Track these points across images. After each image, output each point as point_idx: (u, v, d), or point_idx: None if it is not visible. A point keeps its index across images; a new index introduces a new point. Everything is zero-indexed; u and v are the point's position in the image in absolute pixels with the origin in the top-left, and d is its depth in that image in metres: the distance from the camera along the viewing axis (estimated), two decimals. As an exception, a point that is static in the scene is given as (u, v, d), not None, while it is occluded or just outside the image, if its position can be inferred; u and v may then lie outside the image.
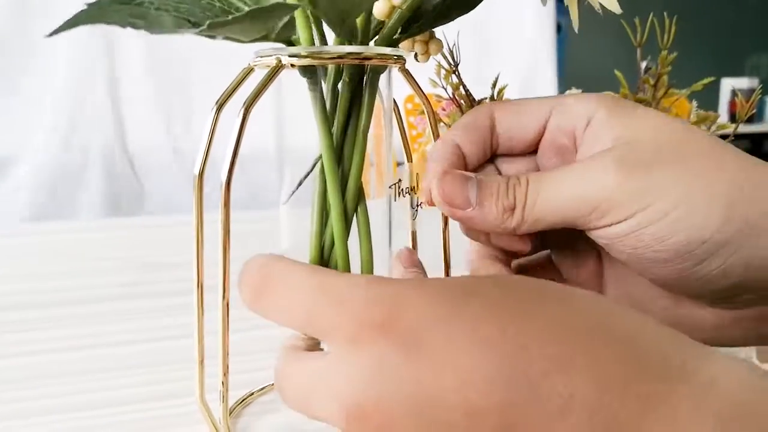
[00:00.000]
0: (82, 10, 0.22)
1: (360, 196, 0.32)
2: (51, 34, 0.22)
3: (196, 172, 0.29)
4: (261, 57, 0.29)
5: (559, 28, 2.44)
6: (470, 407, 0.19)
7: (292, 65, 0.28)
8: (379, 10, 0.28)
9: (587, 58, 3.20)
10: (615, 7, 0.26)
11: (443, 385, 0.19)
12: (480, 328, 0.20)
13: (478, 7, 0.32)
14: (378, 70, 0.30)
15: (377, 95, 0.32)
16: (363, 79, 0.30)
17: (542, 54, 2.27)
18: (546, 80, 2.26)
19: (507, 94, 0.46)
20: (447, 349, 0.20)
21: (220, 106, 0.29)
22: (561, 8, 2.52)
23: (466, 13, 0.32)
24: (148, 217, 1.40)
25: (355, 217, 0.32)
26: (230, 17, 0.22)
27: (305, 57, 0.28)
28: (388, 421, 0.20)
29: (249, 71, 0.30)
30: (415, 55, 0.34)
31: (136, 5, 0.24)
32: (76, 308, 0.53)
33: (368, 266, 0.32)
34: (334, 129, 0.30)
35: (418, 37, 0.33)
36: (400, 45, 0.34)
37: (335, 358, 0.22)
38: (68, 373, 0.40)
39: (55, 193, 1.60)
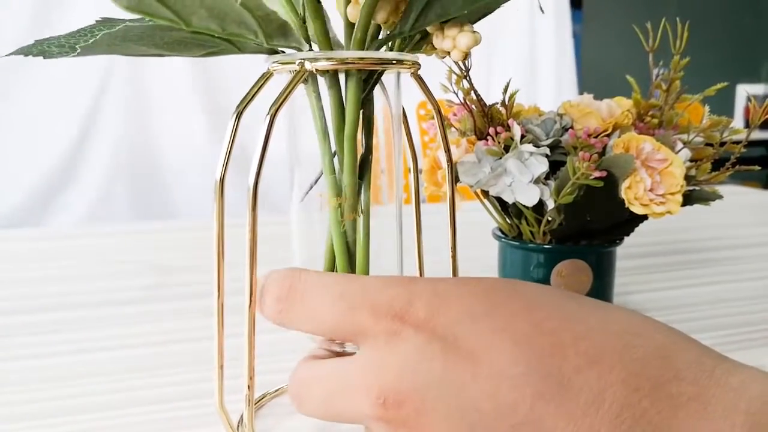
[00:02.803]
0: (28, 45, 0.27)
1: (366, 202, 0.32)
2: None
3: (218, 177, 0.30)
4: (281, 62, 0.30)
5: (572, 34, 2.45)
6: (501, 398, 0.20)
7: (317, 70, 0.29)
8: (351, 14, 0.28)
9: (602, 62, 3.19)
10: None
11: (477, 376, 0.20)
12: (515, 324, 0.21)
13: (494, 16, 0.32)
14: (357, 76, 0.30)
15: (386, 99, 0.33)
16: (350, 84, 0.30)
17: (562, 59, 2.28)
18: (567, 84, 2.27)
19: (525, 99, 0.46)
20: (482, 344, 0.21)
21: (240, 111, 0.29)
22: (575, 16, 2.52)
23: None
24: (168, 221, 1.41)
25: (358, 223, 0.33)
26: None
27: (330, 61, 0.28)
28: (423, 406, 0.20)
29: (268, 76, 0.30)
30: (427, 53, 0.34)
31: (92, 36, 0.25)
32: (97, 311, 0.54)
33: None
34: (333, 134, 0.30)
35: (446, 32, 0.33)
36: (433, 42, 0.34)
37: (370, 353, 0.22)
38: (87, 375, 0.41)
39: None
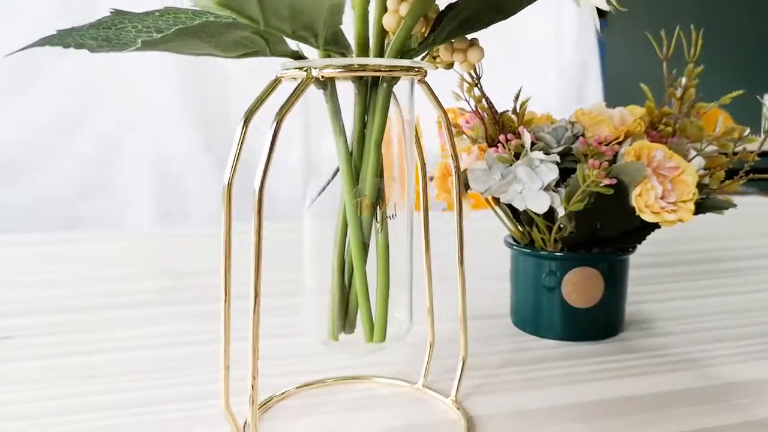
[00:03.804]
0: (52, 34, 0.26)
1: (382, 208, 0.33)
2: (9, 54, 0.26)
3: (225, 181, 0.30)
4: (288, 69, 0.30)
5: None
6: None
7: (322, 77, 0.29)
8: (387, 23, 0.28)
9: (626, 71, 3.17)
10: (603, 5, 0.26)
11: None
12: None
13: (522, 23, 0.32)
14: (387, 82, 0.31)
15: (398, 108, 0.33)
16: (375, 90, 0.30)
17: (589, 69, 2.27)
18: (593, 93, 2.26)
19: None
20: None
21: (248, 117, 0.30)
22: (600, 25, 2.52)
23: (502, 19, 0.32)
24: (184, 228, 1.43)
25: (374, 232, 0.33)
26: (159, 35, 0.24)
27: (335, 68, 0.29)
28: None
29: (277, 83, 0.31)
30: (433, 64, 0.34)
31: (117, 29, 0.25)
32: (111, 313, 0.54)
33: (384, 285, 0.33)
34: (352, 140, 0.31)
35: (456, 45, 0.33)
36: (439, 54, 0.34)
37: None
38: (98, 375, 0.42)
39: None
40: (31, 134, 1.68)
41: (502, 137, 0.42)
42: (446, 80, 0.45)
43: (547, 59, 2.24)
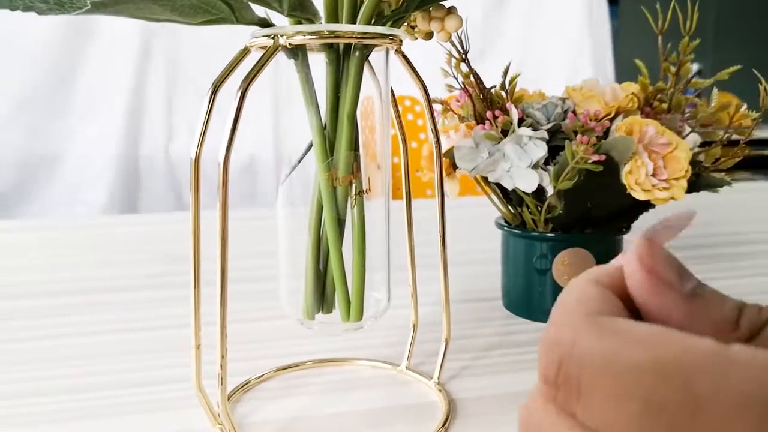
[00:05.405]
0: None
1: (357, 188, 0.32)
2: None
3: (193, 156, 0.29)
4: (257, 37, 0.29)
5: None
6: None
7: (290, 45, 0.28)
8: None
9: (639, 57, 3.13)
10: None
11: None
12: None
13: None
14: (360, 51, 0.29)
15: (375, 80, 0.32)
16: (348, 60, 0.29)
17: (600, 53, 2.25)
18: (608, 80, 2.24)
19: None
20: None
21: (216, 88, 0.29)
22: (614, 11, 2.48)
23: None
24: (177, 213, 1.42)
25: (349, 212, 0.32)
26: None
27: (304, 35, 0.28)
28: None
29: (245, 53, 0.30)
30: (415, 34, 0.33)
31: None
32: (105, 296, 0.54)
33: (360, 262, 0.32)
34: (325, 112, 0.30)
35: (433, 13, 0.32)
36: (417, 24, 0.33)
37: None
38: (86, 356, 0.41)
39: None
40: None
41: (489, 114, 0.41)
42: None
43: (559, 44, 2.21)
